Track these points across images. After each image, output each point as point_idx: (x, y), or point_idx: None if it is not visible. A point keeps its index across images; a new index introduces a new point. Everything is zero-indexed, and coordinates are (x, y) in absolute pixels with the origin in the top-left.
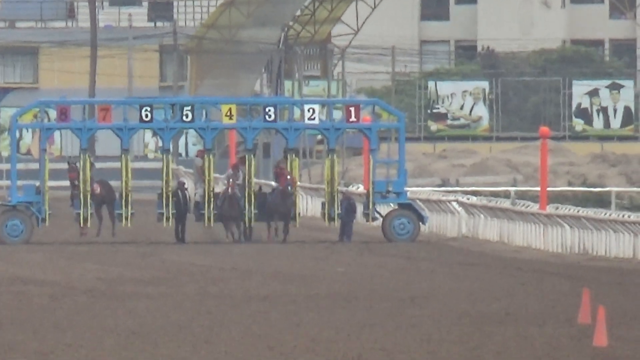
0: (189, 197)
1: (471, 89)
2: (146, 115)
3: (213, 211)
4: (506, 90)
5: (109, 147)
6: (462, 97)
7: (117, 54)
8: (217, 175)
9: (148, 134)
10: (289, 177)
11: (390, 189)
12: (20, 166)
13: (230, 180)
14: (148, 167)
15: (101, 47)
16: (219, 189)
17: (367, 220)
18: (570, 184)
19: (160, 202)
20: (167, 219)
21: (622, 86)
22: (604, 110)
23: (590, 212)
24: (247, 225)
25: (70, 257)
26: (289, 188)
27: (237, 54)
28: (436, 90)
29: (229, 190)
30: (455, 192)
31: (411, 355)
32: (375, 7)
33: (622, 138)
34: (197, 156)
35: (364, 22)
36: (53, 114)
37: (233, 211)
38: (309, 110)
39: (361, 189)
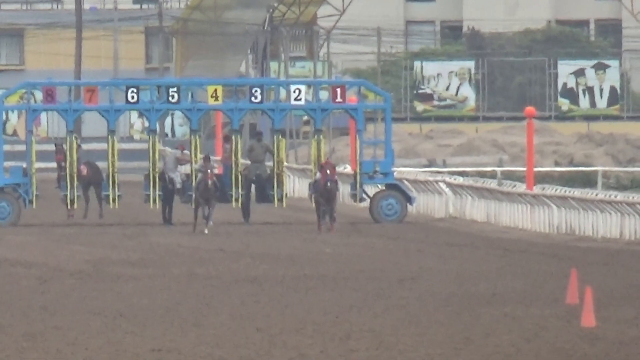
0: (175, 179)
1: (457, 70)
2: (132, 97)
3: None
4: (492, 70)
5: (95, 128)
6: (448, 78)
7: (103, 36)
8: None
9: (134, 115)
10: (328, 171)
11: (377, 169)
12: (6, 148)
13: (209, 171)
14: (134, 148)
15: (86, 29)
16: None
17: (355, 201)
18: (556, 163)
19: (147, 183)
20: (154, 200)
21: (608, 66)
22: (589, 90)
23: (577, 192)
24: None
25: (57, 239)
26: (329, 184)
27: (222, 35)
28: (422, 70)
29: (209, 182)
30: (442, 172)
31: (399, 337)
32: None
33: (608, 118)
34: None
35: (349, 3)
36: (39, 95)
37: (206, 193)
38: (295, 91)
39: (348, 169)
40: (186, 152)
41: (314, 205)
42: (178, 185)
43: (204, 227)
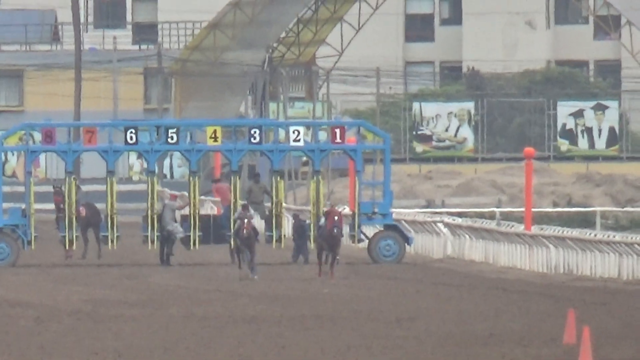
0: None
1: (456, 110)
2: (131, 138)
3: (198, 234)
4: (491, 110)
5: (94, 169)
6: (448, 119)
7: (102, 77)
8: (202, 197)
9: (133, 156)
10: (336, 217)
11: (375, 210)
12: (5, 189)
13: (246, 221)
14: (133, 189)
15: (86, 70)
16: (203, 210)
17: (353, 242)
18: (555, 204)
19: (145, 224)
20: (152, 241)
21: (607, 107)
22: (588, 130)
23: (575, 232)
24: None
25: (56, 280)
26: (335, 230)
27: (221, 76)
28: (421, 111)
29: (244, 232)
30: (441, 213)
31: None
32: (359, 28)
33: (607, 158)
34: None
35: (348, 44)
36: (38, 136)
37: (247, 241)
38: (294, 132)
39: (347, 210)
40: (184, 193)
41: (315, 250)
42: (180, 235)
43: (249, 274)
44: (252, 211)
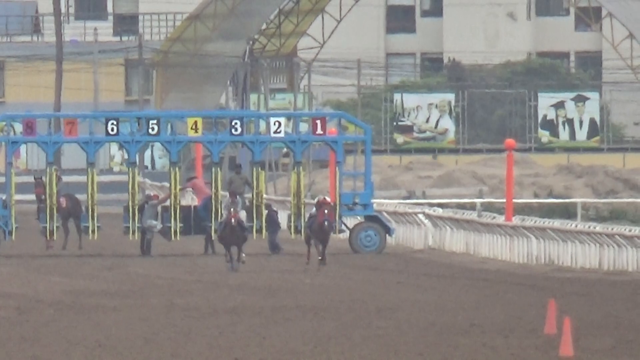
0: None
1: (437, 102)
2: (112, 129)
3: (179, 225)
4: (472, 102)
5: (75, 160)
6: (428, 110)
7: (83, 68)
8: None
9: (114, 147)
10: (326, 211)
11: (356, 201)
12: None
13: (232, 210)
14: (114, 180)
15: (67, 62)
16: (184, 201)
17: (334, 233)
18: (536, 195)
19: (126, 215)
20: (133, 232)
21: (588, 98)
22: (569, 122)
23: (556, 223)
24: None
25: (36, 270)
26: (326, 223)
27: (202, 67)
28: (402, 102)
29: (232, 220)
30: (422, 204)
31: None
32: (340, 20)
33: (587, 149)
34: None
35: (329, 35)
36: (19, 127)
37: (233, 237)
38: (275, 124)
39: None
40: (164, 184)
41: (304, 239)
42: (158, 228)
43: (234, 266)
44: (239, 199)
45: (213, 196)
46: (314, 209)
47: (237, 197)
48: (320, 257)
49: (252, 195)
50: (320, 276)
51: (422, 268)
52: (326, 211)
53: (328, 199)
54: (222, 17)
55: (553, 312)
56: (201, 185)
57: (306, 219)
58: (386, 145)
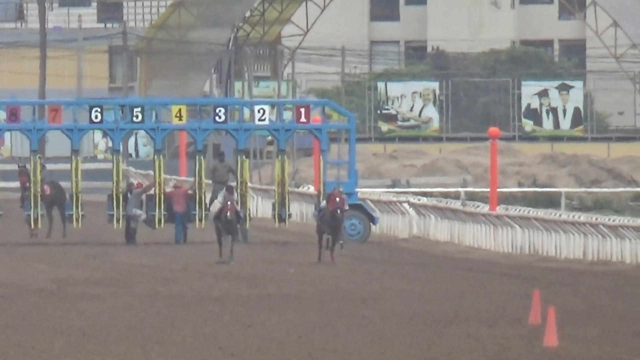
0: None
1: (421, 90)
2: (96, 116)
3: (163, 212)
4: (456, 90)
5: (59, 148)
6: (412, 99)
7: (67, 55)
8: (166, 176)
9: (98, 135)
10: (338, 199)
11: (341, 189)
12: None
13: (229, 203)
14: (98, 167)
15: (51, 48)
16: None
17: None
18: (520, 184)
19: (110, 203)
20: (118, 220)
21: (572, 87)
22: (553, 110)
23: (540, 212)
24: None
25: (21, 258)
26: (339, 212)
27: (186, 54)
28: (386, 91)
29: (227, 214)
30: (406, 192)
31: (362, 356)
32: (324, 7)
33: (571, 139)
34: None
35: (313, 23)
36: (2, 115)
37: (229, 227)
38: (259, 111)
39: (312, 189)
40: (149, 172)
41: (316, 234)
42: (142, 217)
43: (228, 259)
44: (236, 195)
45: (197, 185)
46: (324, 202)
47: (235, 193)
48: (330, 255)
49: (237, 184)
50: (305, 265)
51: (407, 257)
52: (337, 200)
53: (341, 190)
54: (206, 4)
55: (537, 301)
56: (180, 195)
57: (316, 212)
58: (370, 134)
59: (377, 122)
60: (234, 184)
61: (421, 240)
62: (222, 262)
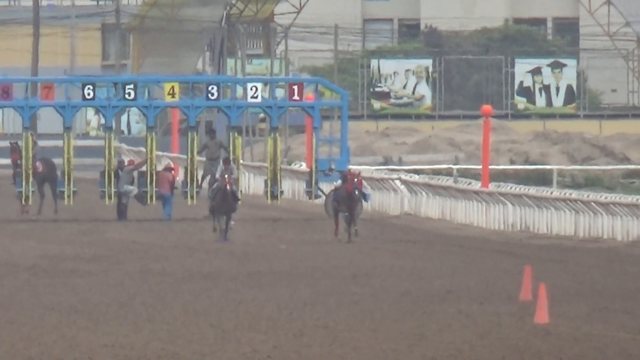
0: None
1: (414, 68)
2: (89, 94)
3: (155, 189)
4: (449, 68)
5: (51, 125)
6: (405, 76)
7: (60, 33)
8: (159, 153)
9: (90, 112)
10: (355, 180)
11: (332, 166)
12: None
13: (226, 176)
14: (90, 144)
15: (43, 26)
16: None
17: (310, 198)
18: (512, 162)
19: (102, 180)
20: (109, 197)
21: (564, 65)
22: (546, 88)
23: (532, 190)
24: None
25: (12, 235)
26: (356, 192)
27: (179, 32)
28: (379, 68)
29: (227, 186)
30: (398, 170)
31: (353, 333)
32: None
33: (564, 116)
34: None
35: (307, 1)
36: None
37: (225, 205)
38: (251, 89)
39: (304, 167)
40: (141, 149)
41: (331, 212)
42: (134, 193)
43: (225, 236)
44: (233, 165)
45: (189, 162)
46: (340, 181)
47: (232, 162)
48: (348, 232)
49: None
50: (296, 242)
51: (398, 234)
52: (355, 180)
53: (358, 171)
54: None
55: (528, 278)
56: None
57: (330, 193)
58: (363, 111)
59: (369, 99)
60: None
61: (413, 217)
62: (222, 239)
